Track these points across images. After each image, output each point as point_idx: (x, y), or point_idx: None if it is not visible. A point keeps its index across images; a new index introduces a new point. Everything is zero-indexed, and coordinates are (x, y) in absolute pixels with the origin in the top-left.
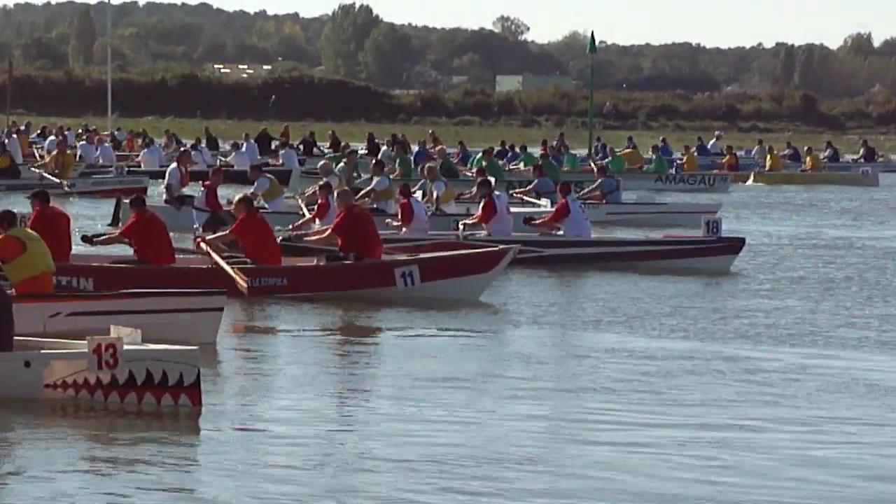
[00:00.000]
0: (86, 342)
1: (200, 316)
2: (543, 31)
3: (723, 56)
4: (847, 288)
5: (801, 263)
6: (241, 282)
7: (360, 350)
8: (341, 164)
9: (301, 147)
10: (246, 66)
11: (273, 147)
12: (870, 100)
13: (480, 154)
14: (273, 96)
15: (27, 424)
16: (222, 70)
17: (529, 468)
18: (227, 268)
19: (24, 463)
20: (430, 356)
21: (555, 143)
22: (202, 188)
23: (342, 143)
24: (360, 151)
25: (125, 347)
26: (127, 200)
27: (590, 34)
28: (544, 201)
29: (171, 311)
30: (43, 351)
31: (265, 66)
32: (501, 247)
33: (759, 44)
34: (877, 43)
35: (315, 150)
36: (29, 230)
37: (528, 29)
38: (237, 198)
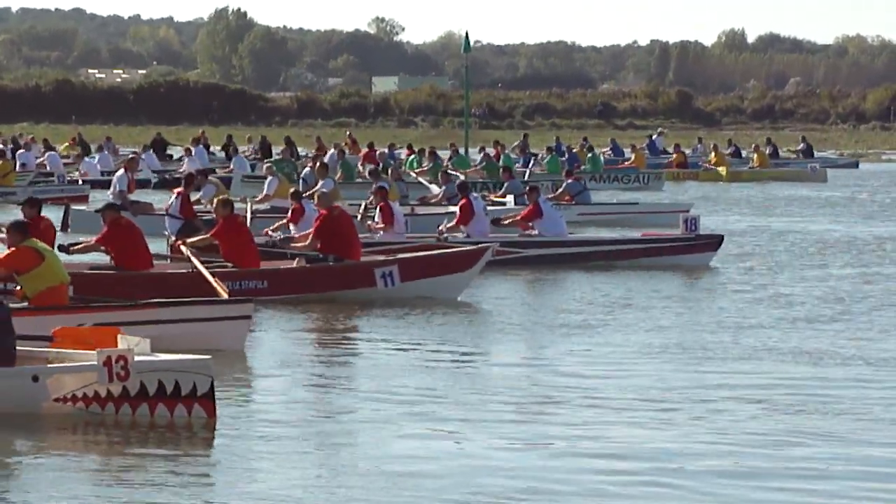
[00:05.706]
0: (94, 353)
1: (227, 324)
2: (418, 31)
3: (598, 54)
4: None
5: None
6: (222, 291)
7: (350, 353)
8: (307, 168)
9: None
10: (121, 71)
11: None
12: (744, 95)
13: (417, 155)
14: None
15: (36, 439)
16: (97, 75)
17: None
18: (206, 273)
19: (35, 478)
20: (414, 364)
21: (517, 143)
22: (176, 195)
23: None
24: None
25: (136, 358)
26: (79, 208)
27: (464, 34)
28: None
29: (198, 320)
30: (51, 365)
31: (140, 71)
32: (480, 245)
33: (634, 41)
34: (750, 39)
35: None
36: (41, 242)
37: (404, 29)
38: (217, 200)
